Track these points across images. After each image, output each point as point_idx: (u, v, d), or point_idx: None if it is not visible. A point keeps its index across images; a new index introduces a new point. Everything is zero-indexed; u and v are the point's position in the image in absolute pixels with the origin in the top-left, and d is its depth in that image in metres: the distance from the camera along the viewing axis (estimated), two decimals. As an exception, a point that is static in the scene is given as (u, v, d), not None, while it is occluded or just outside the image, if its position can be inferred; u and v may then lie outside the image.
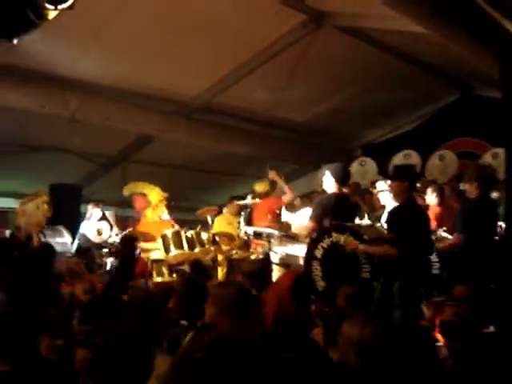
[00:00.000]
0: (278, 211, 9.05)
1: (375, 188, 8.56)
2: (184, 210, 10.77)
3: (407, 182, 5.67)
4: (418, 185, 9.21)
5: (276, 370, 1.26)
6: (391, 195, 6.46)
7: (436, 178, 9.50)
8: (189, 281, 5.08)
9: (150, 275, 7.47)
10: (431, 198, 8.39)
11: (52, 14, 5.43)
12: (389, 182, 6.62)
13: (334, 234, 5.95)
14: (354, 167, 10.39)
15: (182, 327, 4.50)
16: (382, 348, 2.82)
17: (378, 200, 8.29)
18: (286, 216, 8.92)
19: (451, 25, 6.30)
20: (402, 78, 9.24)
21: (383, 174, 9.11)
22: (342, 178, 6.54)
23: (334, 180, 6.45)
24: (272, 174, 8.80)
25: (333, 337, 3.27)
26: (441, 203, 8.38)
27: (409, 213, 5.61)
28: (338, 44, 8.31)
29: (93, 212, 9.48)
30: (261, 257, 6.92)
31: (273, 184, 9.05)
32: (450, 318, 3.96)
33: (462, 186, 7.23)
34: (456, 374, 3.61)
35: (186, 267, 7.42)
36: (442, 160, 9.72)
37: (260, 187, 9.31)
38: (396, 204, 5.93)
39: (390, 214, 6.04)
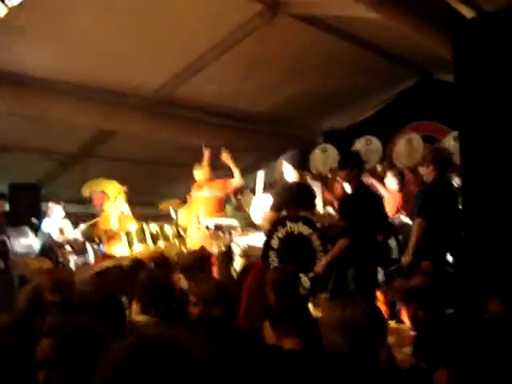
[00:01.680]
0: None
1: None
2: (146, 204, 10.69)
3: (356, 169, 5.79)
4: (379, 168, 9.29)
5: (197, 370, 1.25)
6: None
7: (403, 162, 9.49)
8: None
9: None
10: (391, 182, 8.45)
11: (2, 11, 5.31)
12: None
13: (289, 224, 5.94)
14: (316, 154, 10.36)
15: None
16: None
17: (342, 187, 8.32)
18: None
19: (404, 9, 6.35)
20: (361, 64, 9.25)
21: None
22: (300, 164, 6.54)
23: (291, 167, 6.44)
24: (224, 156, 8.61)
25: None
26: (401, 188, 8.45)
27: (359, 199, 5.67)
28: (294, 32, 8.27)
29: (54, 209, 9.33)
30: (222, 249, 6.85)
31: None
32: (418, 285, 4.04)
33: (421, 170, 7.29)
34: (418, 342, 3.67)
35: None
36: (410, 144, 9.71)
37: (200, 175, 8.84)
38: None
39: (341, 201, 6.10)
